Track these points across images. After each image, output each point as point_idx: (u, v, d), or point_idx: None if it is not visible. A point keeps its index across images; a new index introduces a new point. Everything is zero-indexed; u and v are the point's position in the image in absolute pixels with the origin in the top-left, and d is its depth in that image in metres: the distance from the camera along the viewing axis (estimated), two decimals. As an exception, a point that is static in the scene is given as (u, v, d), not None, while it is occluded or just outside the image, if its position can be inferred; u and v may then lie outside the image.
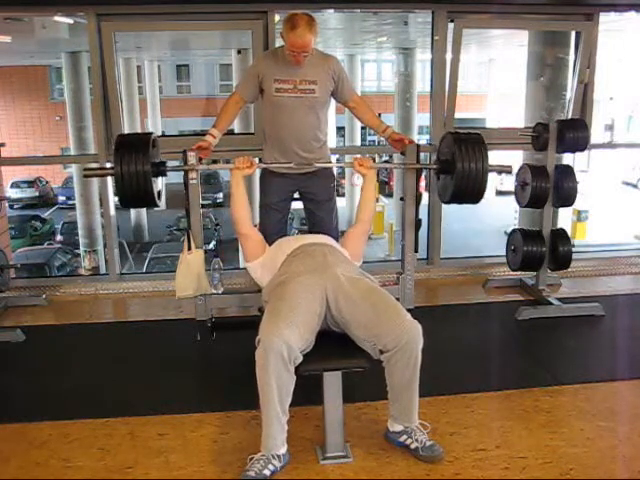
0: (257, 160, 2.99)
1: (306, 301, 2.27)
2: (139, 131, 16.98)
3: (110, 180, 4.26)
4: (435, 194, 4.33)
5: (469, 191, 2.95)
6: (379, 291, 2.39)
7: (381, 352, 2.21)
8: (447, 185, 3.06)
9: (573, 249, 3.80)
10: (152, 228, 16.73)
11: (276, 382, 2.10)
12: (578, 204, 4.44)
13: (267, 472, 2.14)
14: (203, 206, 3.19)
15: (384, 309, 2.26)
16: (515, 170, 3.85)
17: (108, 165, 4.10)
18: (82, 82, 13.14)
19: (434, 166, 3.17)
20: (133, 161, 2.75)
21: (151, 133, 2.96)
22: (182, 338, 3.35)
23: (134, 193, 2.81)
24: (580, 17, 4.28)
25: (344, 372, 2.26)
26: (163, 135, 14.45)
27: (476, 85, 22.91)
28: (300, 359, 2.14)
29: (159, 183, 3.04)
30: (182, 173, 3.04)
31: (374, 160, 3.18)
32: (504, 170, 3.20)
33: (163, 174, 3.00)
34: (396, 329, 2.18)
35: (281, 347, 2.07)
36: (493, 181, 19.89)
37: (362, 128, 17.65)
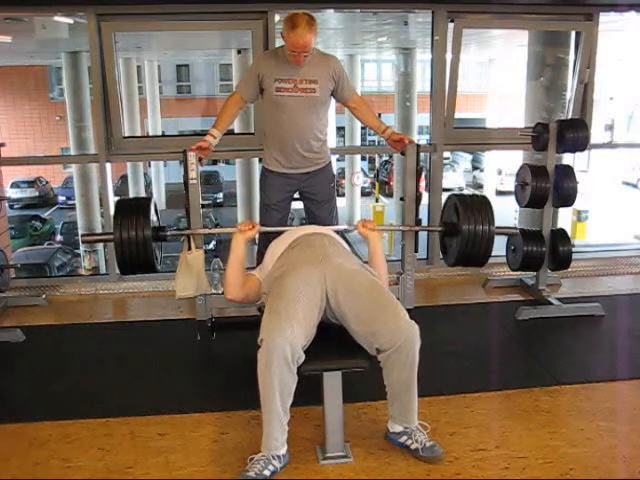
0: (258, 225, 2.85)
1: (306, 295, 2.25)
2: (139, 133, 17.09)
3: (110, 180, 4.26)
4: (435, 194, 4.36)
5: (475, 254, 2.90)
6: (379, 287, 2.37)
7: (378, 351, 2.21)
8: (452, 248, 3.02)
9: (573, 249, 3.80)
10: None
11: (278, 382, 2.09)
12: (578, 204, 4.44)
13: (267, 472, 2.14)
14: (203, 206, 3.19)
15: (383, 307, 2.25)
16: (515, 170, 3.87)
17: (108, 166, 4.11)
18: (82, 82, 13.14)
19: (438, 229, 3.13)
20: (133, 226, 2.70)
21: (150, 198, 2.93)
22: (182, 338, 3.36)
23: (133, 259, 2.77)
24: (580, 17, 4.28)
25: (344, 372, 2.26)
26: (163, 135, 14.50)
27: (476, 85, 22.90)
28: (303, 358, 2.13)
29: (157, 250, 2.97)
30: (182, 173, 3.04)
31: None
32: (510, 233, 3.19)
33: (163, 239, 2.98)
34: (393, 330, 2.17)
35: (285, 348, 2.07)
36: (493, 181, 19.93)
37: (362, 128, 17.65)
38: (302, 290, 2.27)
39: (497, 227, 2.87)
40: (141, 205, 2.86)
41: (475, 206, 2.89)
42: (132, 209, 2.81)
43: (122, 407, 2.67)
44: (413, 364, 2.21)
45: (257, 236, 2.91)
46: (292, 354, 2.09)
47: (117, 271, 4.25)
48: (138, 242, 2.72)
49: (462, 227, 2.85)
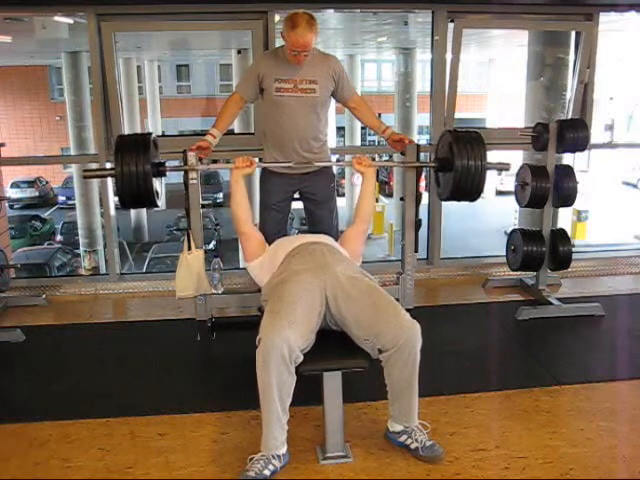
0: (257, 160, 2.98)
1: (306, 300, 2.27)
2: (139, 131, 17.07)
3: (110, 180, 4.26)
4: (435, 193, 4.36)
5: (468, 188, 2.95)
6: (378, 290, 2.39)
7: (380, 351, 2.21)
8: (446, 183, 3.07)
9: (573, 249, 3.80)
10: (152, 228, 16.72)
11: (277, 382, 2.10)
12: (578, 204, 4.44)
13: (267, 472, 2.14)
14: (203, 206, 3.19)
15: (383, 308, 2.26)
16: (515, 170, 3.86)
17: (108, 165, 4.11)
18: (82, 82, 13.15)
19: (433, 164, 3.18)
20: (133, 161, 2.75)
21: (150, 133, 2.96)
22: (182, 338, 3.36)
23: (134, 193, 2.81)
24: (580, 17, 4.28)
25: (344, 372, 2.26)
26: (163, 135, 14.49)
27: (476, 85, 22.91)
28: (301, 358, 2.14)
29: (158, 184, 3.05)
30: (182, 173, 3.04)
31: (373, 159, 3.18)
32: (502, 168, 3.21)
33: (163, 174, 3.00)
34: (395, 329, 2.18)
35: (282, 347, 2.07)
36: (493, 181, 19.93)
37: (362, 128, 17.65)
38: (302, 295, 2.28)
39: (489, 162, 2.93)
40: (141, 141, 2.88)
41: (468, 142, 2.94)
42: (133, 144, 2.84)
43: (122, 407, 2.67)
44: (414, 363, 2.21)
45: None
46: (289, 353, 2.09)
47: (117, 271, 4.31)
48: (138, 176, 2.75)
49: (455, 162, 2.89)
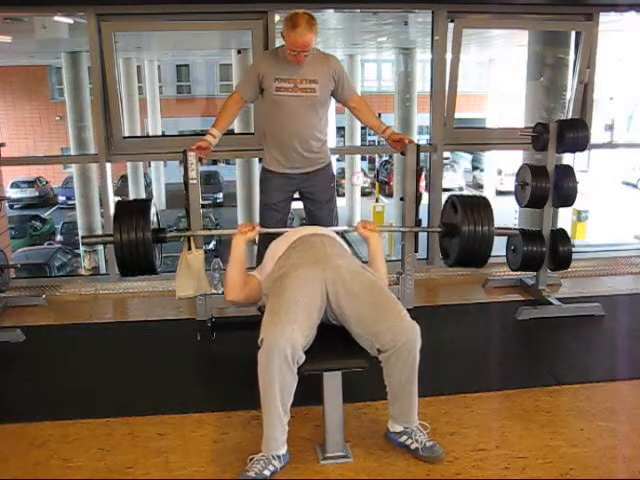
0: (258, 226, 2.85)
1: (306, 296, 2.26)
2: (139, 133, 17.09)
3: (110, 180, 4.26)
4: (435, 194, 4.36)
5: (474, 256, 2.91)
6: (380, 288, 2.37)
7: (379, 351, 2.21)
8: (451, 248, 3.03)
9: (573, 249, 3.80)
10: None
11: (279, 382, 2.09)
12: (578, 204, 4.44)
13: (267, 472, 2.14)
14: (203, 206, 3.19)
15: (384, 308, 2.25)
16: (515, 170, 3.87)
17: (108, 166, 4.11)
18: (82, 82, 13.15)
19: (438, 229, 3.14)
20: (133, 229, 2.71)
21: (150, 199, 2.94)
22: (182, 338, 3.36)
23: (134, 261, 2.77)
24: (580, 17, 4.28)
25: (344, 372, 2.26)
26: (163, 135, 14.51)
27: (476, 85, 22.91)
28: (303, 359, 2.13)
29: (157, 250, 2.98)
30: (182, 173, 3.04)
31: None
32: (510, 234, 3.19)
33: (163, 241, 2.97)
34: (394, 329, 2.17)
35: (285, 347, 2.07)
36: (493, 181, 19.93)
37: (362, 128, 17.66)
38: (302, 291, 2.27)
39: (497, 228, 2.87)
40: (141, 207, 2.86)
41: (475, 207, 2.89)
42: (132, 211, 2.81)
43: (122, 407, 2.67)
44: (414, 364, 2.21)
45: (257, 237, 2.92)
46: (292, 354, 2.08)
47: (117, 271, 4.30)
48: (138, 244, 2.72)
49: (462, 228, 2.85)
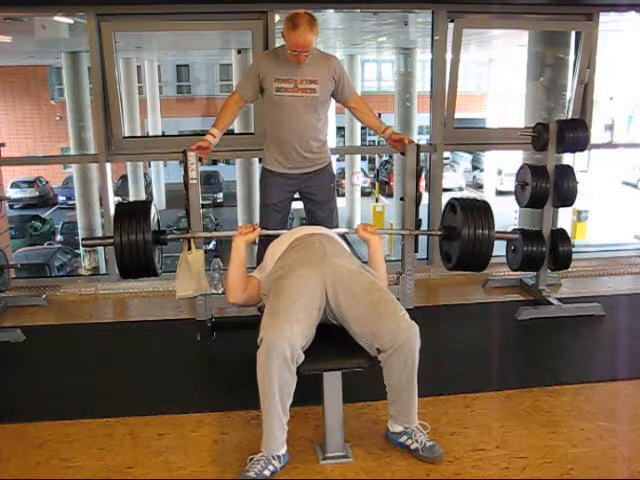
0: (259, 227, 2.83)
1: (306, 296, 2.26)
2: (139, 133, 17.09)
3: (110, 180, 4.27)
4: (435, 194, 4.36)
5: (474, 259, 2.91)
6: (380, 288, 2.38)
7: (379, 351, 2.21)
8: (452, 252, 3.02)
9: (573, 249, 3.80)
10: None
11: (278, 382, 2.09)
12: (578, 204, 4.44)
13: (267, 472, 2.14)
14: (203, 206, 3.20)
15: (383, 307, 2.25)
16: (515, 170, 3.87)
17: (108, 166, 4.11)
18: (82, 82, 13.15)
19: (438, 233, 3.13)
20: (133, 231, 2.71)
21: (150, 201, 2.94)
22: (182, 338, 3.36)
23: (134, 263, 2.77)
24: (580, 17, 4.28)
25: (344, 372, 2.26)
26: (163, 135, 14.50)
27: (476, 85, 22.92)
28: (302, 358, 2.13)
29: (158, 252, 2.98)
30: (182, 173, 3.04)
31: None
32: (510, 238, 3.19)
33: (164, 243, 2.97)
34: (393, 329, 2.17)
35: (284, 347, 2.07)
36: (493, 181, 19.94)
37: (362, 128, 17.66)
38: (302, 290, 2.27)
39: (497, 232, 2.88)
40: (141, 209, 2.85)
41: (475, 210, 2.89)
42: (132, 213, 2.81)
43: (122, 407, 2.67)
44: (413, 364, 2.21)
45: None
46: (291, 354, 2.09)
47: (117, 271, 4.30)
48: (138, 246, 2.72)
49: (462, 231, 2.84)
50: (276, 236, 2.77)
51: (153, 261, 2.82)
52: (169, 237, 3.00)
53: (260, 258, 2.95)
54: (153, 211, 2.89)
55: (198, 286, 3.08)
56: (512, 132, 4.20)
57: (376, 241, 2.73)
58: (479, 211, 2.89)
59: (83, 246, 2.98)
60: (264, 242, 3.05)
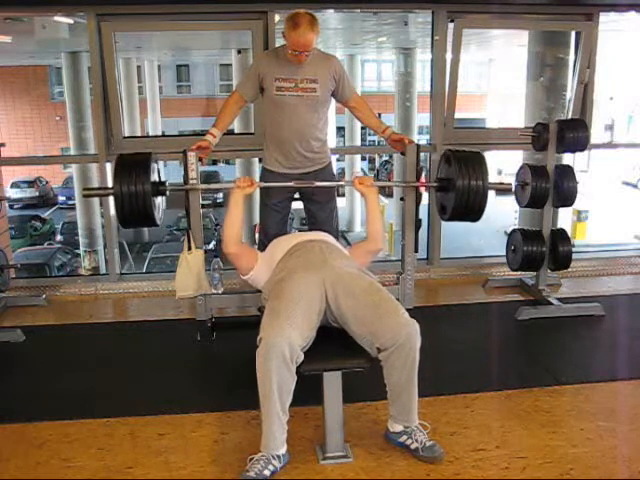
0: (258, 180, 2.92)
1: (306, 298, 2.27)
2: (139, 133, 17.09)
3: (110, 180, 4.26)
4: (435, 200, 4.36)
5: (469, 208, 2.95)
6: (379, 288, 2.38)
7: (379, 350, 2.21)
8: (447, 203, 3.05)
9: (573, 249, 3.80)
10: (152, 228, 16.66)
11: (277, 381, 2.09)
12: (578, 204, 4.44)
13: (267, 472, 2.14)
14: (203, 206, 3.20)
15: (383, 307, 2.26)
16: (515, 170, 3.86)
17: (108, 166, 4.11)
18: (82, 82, 13.15)
19: (434, 184, 3.15)
20: (133, 181, 2.73)
21: (150, 153, 2.95)
22: (182, 338, 3.36)
23: (134, 213, 2.79)
24: (580, 17, 4.28)
25: (344, 372, 2.26)
26: (163, 135, 14.50)
27: (476, 85, 22.92)
28: (301, 358, 2.14)
29: (160, 200, 3.01)
30: (182, 173, 3.04)
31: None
32: (504, 188, 3.21)
33: (163, 193, 2.98)
34: (394, 327, 2.18)
35: (283, 346, 2.07)
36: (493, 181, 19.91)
37: (362, 128, 17.65)
38: (302, 292, 2.28)
39: (490, 182, 2.93)
40: (141, 160, 2.86)
41: (469, 162, 2.94)
42: (132, 164, 2.82)
43: (122, 407, 2.67)
44: (414, 362, 2.21)
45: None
46: (290, 353, 2.09)
47: (117, 271, 4.30)
48: (138, 196, 2.74)
49: (457, 182, 2.89)
50: (275, 233, 2.79)
51: (152, 211, 2.83)
52: (169, 189, 3.01)
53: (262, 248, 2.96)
54: (153, 162, 2.90)
55: (198, 286, 3.08)
56: (512, 132, 4.19)
57: (372, 194, 2.82)
58: (473, 162, 2.94)
59: (83, 196, 2.98)
60: (264, 243, 3.06)
